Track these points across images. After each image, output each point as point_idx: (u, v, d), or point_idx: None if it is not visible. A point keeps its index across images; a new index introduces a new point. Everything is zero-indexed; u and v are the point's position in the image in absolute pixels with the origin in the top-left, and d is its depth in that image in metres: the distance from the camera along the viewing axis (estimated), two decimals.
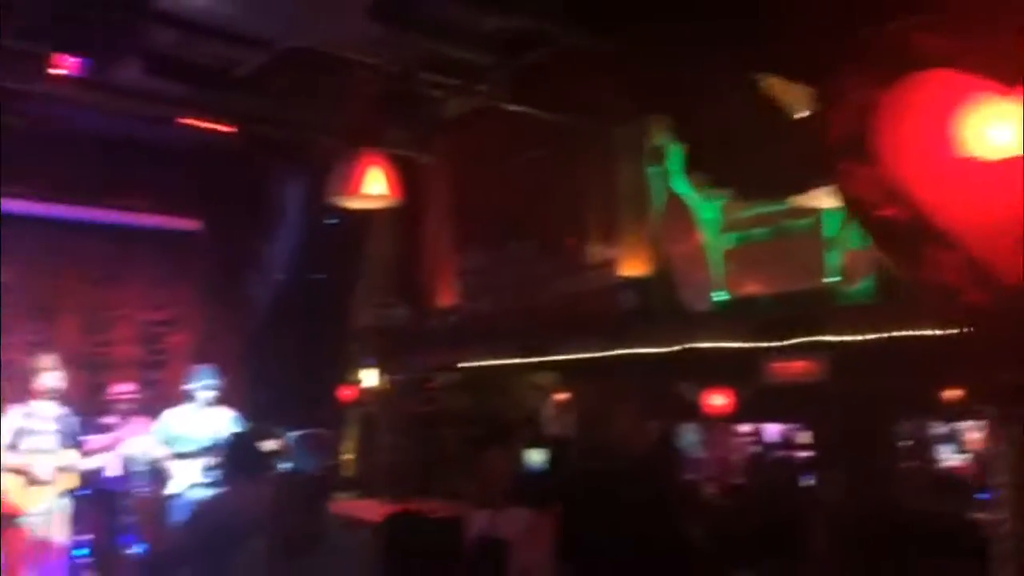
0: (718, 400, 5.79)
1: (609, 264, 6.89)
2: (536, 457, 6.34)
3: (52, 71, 5.76)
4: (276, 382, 8.39)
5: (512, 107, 6.78)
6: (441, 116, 7.54)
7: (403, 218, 7.92)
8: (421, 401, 8.15)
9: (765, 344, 5.67)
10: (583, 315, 6.82)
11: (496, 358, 7.42)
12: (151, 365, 8.88)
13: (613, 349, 6.35)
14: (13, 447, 5.45)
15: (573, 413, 6.87)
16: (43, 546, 5.42)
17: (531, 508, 5.73)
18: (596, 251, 7.01)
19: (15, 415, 5.55)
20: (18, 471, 5.41)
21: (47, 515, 5.41)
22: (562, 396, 7.12)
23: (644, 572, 4.02)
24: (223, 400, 6.56)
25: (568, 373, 7.02)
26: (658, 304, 6.49)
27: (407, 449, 7.93)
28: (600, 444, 5.72)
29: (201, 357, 8.66)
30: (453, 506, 6.47)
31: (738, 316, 5.98)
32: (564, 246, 7.26)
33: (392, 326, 8.49)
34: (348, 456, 8.61)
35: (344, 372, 8.81)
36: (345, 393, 8.69)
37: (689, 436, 6.10)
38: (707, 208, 6.31)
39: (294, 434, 6.74)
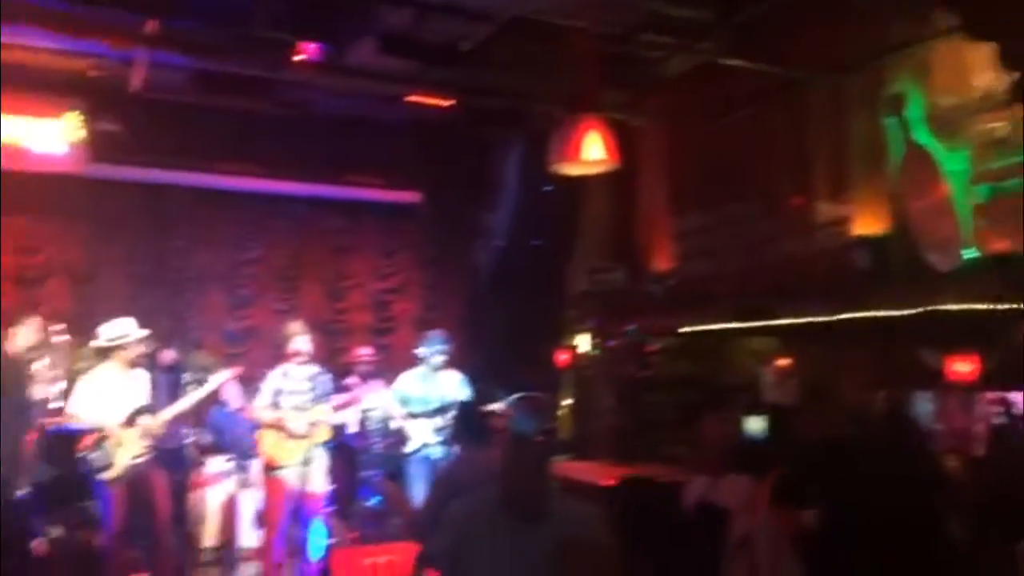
0: (962, 367, 5.46)
1: (840, 222, 6.62)
2: (756, 424, 6.28)
3: (295, 58, 6.39)
4: (495, 346, 8.82)
5: (732, 62, 6.68)
6: (658, 76, 7.55)
7: (620, 181, 8.01)
8: (638, 366, 8.26)
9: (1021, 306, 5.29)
10: (810, 277, 6.62)
11: (715, 322, 7.37)
12: (382, 331, 9.66)
13: (843, 312, 6.13)
14: (272, 405, 6.13)
15: (796, 379, 6.71)
16: (298, 495, 6.06)
17: (751, 475, 5.72)
18: (825, 209, 6.76)
19: (274, 376, 6.23)
20: (276, 427, 6.09)
21: (301, 467, 6.03)
22: (784, 362, 6.96)
23: (874, 544, 3.93)
24: (452, 364, 7.01)
25: (791, 338, 6.85)
26: (896, 264, 6.18)
27: (624, 414, 8.09)
28: (826, 412, 5.57)
29: (426, 323, 9.32)
30: (672, 471, 6.58)
31: (990, 275, 5.59)
32: (789, 205, 7.06)
33: (609, 290, 8.63)
34: (564, 419, 8.90)
35: (561, 337, 9.08)
36: (562, 357, 8.96)
37: (925, 405, 5.79)
38: (953, 159, 5.91)
39: (514, 397, 7.13)
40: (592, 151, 6.46)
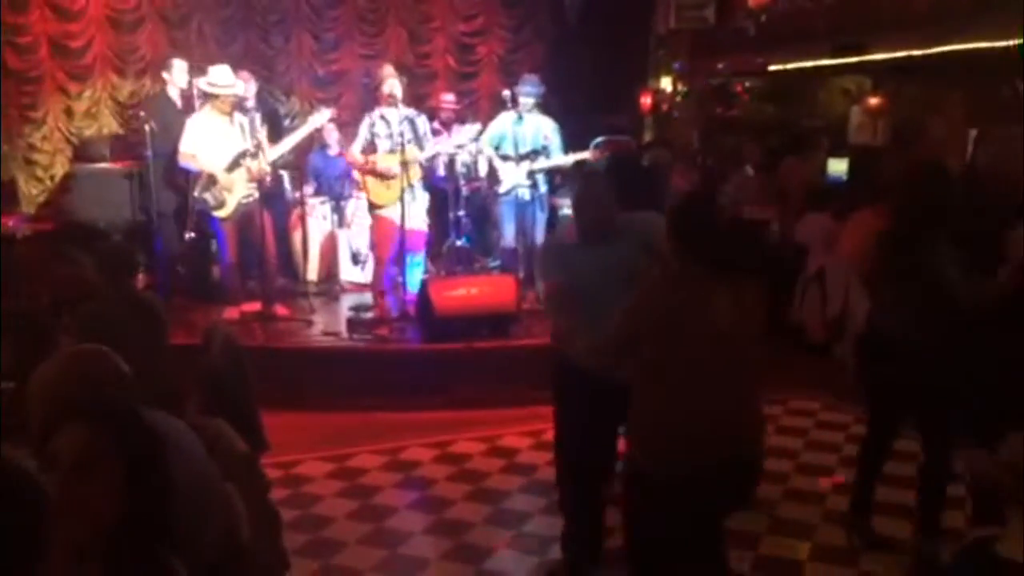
0: None
1: None
2: (839, 166, 6.46)
3: None
4: (580, 89, 8.95)
5: None
6: None
7: None
8: (725, 107, 8.33)
9: None
10: (911, 9, 6.47)
11: (807, 59, 7.33)
12: (466, 75, 9.85)
13: (942, 45, 6.05)
14: (367, 148, 6.54)
15: (885, 120, 6.75)
16: (398, 232, 6.57)
17: (830, 215, 5.99)
18: None
19: (369, 119, 6.56)
20: (370, 169, 6.53)
21: (398, 206, 6.50)
22: (875, 101, 6.96)
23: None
24: (543, 108, 7.22)
25: (885, 75, 6.82)
26: None
27: (709, 154, 8.28)
28: (913, 153, 5.70)
29: (510, 67, 9.44)
30: (754, 209, 6.91)
31: None
32: None
33: (698, 28, 8.53)
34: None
35: (646, 78, 9.10)
36: (645, 100, 9.03)
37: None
38: None
39: (597, 140, 7.38)
40: None
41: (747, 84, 8.19)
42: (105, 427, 1.61)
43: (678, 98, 8.83)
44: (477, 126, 7.34)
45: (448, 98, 8.48)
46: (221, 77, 6.40)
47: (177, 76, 7.28)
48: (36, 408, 1.96)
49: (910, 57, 6.26)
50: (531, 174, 6.99)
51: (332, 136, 8.01)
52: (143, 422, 1.67)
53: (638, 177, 6.60)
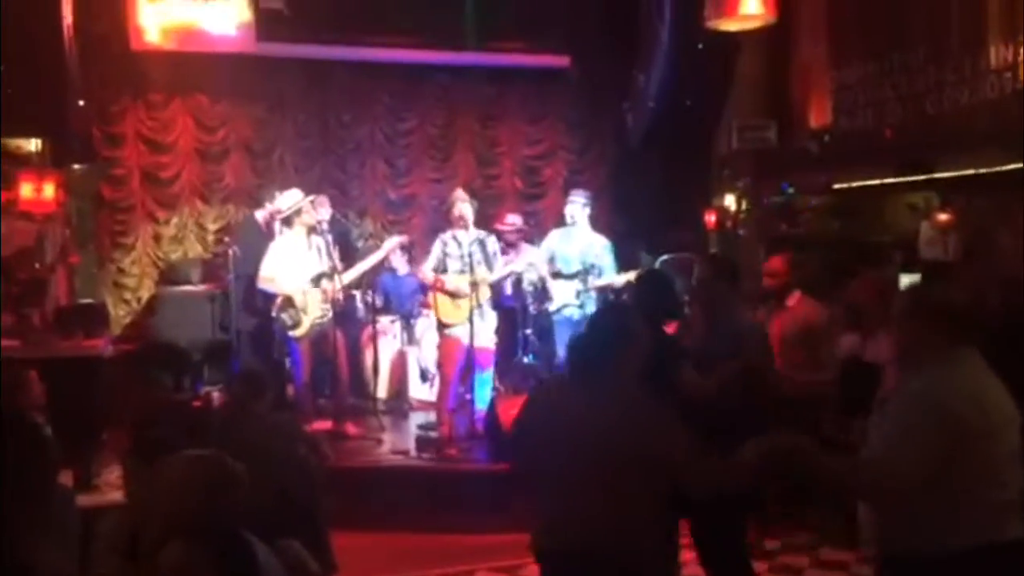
0: None
1: (1011, 68, 6.40)
2: (910, 282, 6.34)
3: None
4: (644, 208, 9.08)
5: None
6: None
7: (775, 35, 7.88)
8: (790, 224, 8.34)
9: None
10: (974, 128, 6.48)
11: (872, 178, 7.35)
12: (532, 196, 10.09)
13: (1008, 163, 6.03)
14: (438, 269, 6.70)
15: (955, 235, 6.68)
16: (466, 350, 6.64)
17: None
18: (994, 55, 6.53)
19: (441, 240, 6.75)
20: (441, 288, 6.66)
21: (467, 325, 6.58)
22: (943, 217, 6.91)
23: None
24: (600, 226, 7.31)
25: (952, 192, 6.78)
26: None
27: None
28: (985, 268, 5.60)
29: (574, 187, 9.66)
30: None
31: None
32: (956, 52, 6.84)
33: (761, 148, 8.64)
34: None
35: (710, 196, 9.20)
36: (710, 217, 9.11)
37: None
38: None
39: (663, 258, 7.42)
40: (749, 5, 6.42)
41: (812, 201, 8.21)
42: (206, 548, 1.66)
43: (742, 215, 8.88)
44: (536, 249, 7.46)
45: (513, 219, 8.63)
46: (285, 201, 6.68)
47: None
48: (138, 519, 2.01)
49: (977, 174, 6.24)
50: (579, 294, 6.95)
51: (399, 259, 8.19)
52: (243, 545, 1.72)
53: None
